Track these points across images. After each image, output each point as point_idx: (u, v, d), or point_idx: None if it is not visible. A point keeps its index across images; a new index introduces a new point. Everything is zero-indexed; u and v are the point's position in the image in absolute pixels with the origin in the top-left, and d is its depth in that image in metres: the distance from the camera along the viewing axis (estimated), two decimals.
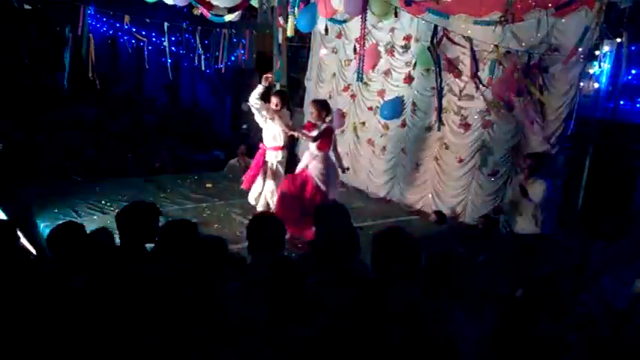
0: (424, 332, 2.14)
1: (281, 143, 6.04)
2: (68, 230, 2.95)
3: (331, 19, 7.34)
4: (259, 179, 6.13)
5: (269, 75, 6.06)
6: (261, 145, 6.15)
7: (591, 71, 5.87)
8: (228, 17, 7.26)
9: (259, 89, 5.88)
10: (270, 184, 6.08)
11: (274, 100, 5.93)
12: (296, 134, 5.96)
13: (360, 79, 6.15)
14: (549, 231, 5.28)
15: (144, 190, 7.24)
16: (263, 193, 6.16)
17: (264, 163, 6.09)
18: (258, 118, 6.00)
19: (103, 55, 9.46)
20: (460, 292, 2.55)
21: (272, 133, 6.02)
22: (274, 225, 3.01)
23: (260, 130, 6.20)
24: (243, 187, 6.26)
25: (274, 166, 6.08)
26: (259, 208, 6.17)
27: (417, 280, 2.39)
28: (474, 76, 6.38)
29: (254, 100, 5.87)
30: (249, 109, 6.12)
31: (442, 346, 2.15)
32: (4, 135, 7.43)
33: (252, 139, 9.41)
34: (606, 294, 3.19)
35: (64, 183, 7.62)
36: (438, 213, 6.98)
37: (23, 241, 4.01)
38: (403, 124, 7.62)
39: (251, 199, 6.27)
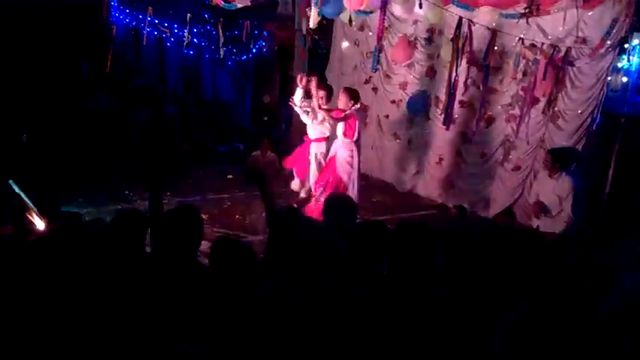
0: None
1: (326, 134, 6.23)
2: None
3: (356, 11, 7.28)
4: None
5: (303, 77, 6.14)
6: (305, 137, 6.33)
7: (620, 65, 5.73)
8: (240, 4, 7.17)
9: (299, 92, 6.09)
10: (314, 173, 6.24)
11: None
12: (322, 113, 6.06)
13: (373, 68, 6.12)
14: (574, 228, 5.18)
15: (166, 180, 7.29)
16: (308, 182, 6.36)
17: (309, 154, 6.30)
18: (304, 117, 6.17)
19: (127, 47, 9.55)
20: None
21: (318, 125, 6.18)
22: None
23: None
24: (285, 166, 6.60)
25: (318, 157, 6.25)
26: (303, 195, 6.36)
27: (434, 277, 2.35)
28: (482, 67, 6.29)
29: (299, 102, 6.09)
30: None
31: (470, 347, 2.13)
32: (28, 125, 7.54)
33: (273, 131, 9.41)
34: (632, 293, 3.13)
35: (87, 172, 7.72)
36: (459, 207, 6.92)
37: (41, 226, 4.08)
38: (427, 118, 7.56)
39: (294, 186, 6.51)
